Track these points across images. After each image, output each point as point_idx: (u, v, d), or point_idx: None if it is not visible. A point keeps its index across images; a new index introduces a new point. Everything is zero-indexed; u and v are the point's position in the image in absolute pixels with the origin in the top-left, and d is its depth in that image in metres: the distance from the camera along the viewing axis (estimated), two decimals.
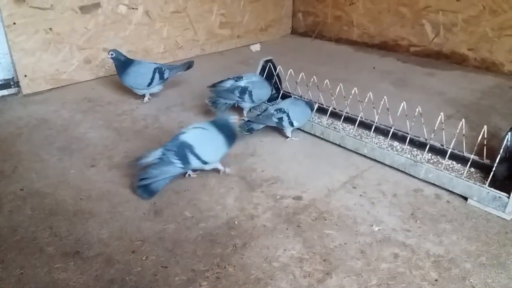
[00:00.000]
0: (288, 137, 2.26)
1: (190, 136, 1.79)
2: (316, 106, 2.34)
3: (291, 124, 2.18)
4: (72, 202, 1.73)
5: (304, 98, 2.36)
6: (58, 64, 2.95)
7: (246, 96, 2.34)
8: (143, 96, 2.75)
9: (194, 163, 1.77)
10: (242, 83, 2.37)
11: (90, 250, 1.48)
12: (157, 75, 2.64)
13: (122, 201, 1.74)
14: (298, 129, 2.32)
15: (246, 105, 2.42)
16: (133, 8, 3.22)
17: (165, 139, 2.26)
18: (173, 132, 2.32)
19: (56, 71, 2.95)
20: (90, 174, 1.94)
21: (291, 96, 2.45)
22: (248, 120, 2.19)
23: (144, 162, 1.72)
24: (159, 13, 3.39)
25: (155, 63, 2.76)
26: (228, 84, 2.40)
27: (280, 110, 2.18)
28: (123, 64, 2.64)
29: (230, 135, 1.87)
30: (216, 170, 1.91)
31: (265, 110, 2.26)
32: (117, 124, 2.44)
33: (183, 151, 1.74)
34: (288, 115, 2.16)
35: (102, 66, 3.18)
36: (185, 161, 1.74)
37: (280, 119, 2.16)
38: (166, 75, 2.69)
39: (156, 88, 2.71)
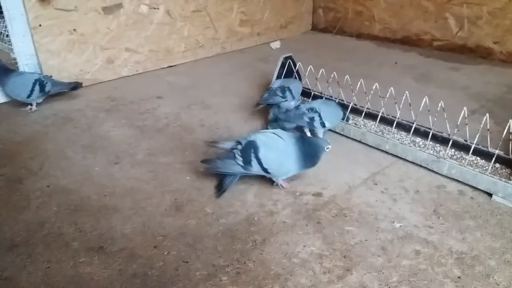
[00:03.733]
0: None
1: (261, 138, 1.71)
2: (349, 109, 2.22)
3: (323, 125, 2.09)
4: (96, 199, 1.77)
5: (336, 99, 2.32)
6: (82, 64, 3.01)
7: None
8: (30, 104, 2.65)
9: (255, 166, 1.69)
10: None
11: (114, 245, 1.51)
12: (37, 87, 2.55)
13: (145, 197, 1.77)
14: None
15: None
16: (154, 8, 3.26)
17: (186, 136, 2.29)
18: (193, 130, 2.36)
19: (81, 71, 3.02)
20: (114, 171, 1.98)
21: (322, 97, 2.41)
22: (278, 120, 2.07)
23: (218, 145, 1.80)
24: (180, 13, 3.43)
25: (38, 73, 2.67)
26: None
27: (312, 109, 2.08)
28: (1, 73, 2.58)
29: (310, 158, 1.74)
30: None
31: (296, 108, 2.15)
32: (139, 122, 2.48)
33: (248, 150, 1.68)
34: (320, 115, 2.07)
35: (125, 65, 3.24)
36: (246, 161, 1.68)
37: (312, 119, 2.07)
38: (47, 88, 2.60)
39: (37, 100, 2.64)
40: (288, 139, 1.74)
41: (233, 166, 1.70)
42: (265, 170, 1.71)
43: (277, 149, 1.72)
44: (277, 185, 1.80)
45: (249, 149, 1.69)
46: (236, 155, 1.69)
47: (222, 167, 1.72)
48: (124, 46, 3.19)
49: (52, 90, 2.66)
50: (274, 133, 1.76)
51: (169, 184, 1.86)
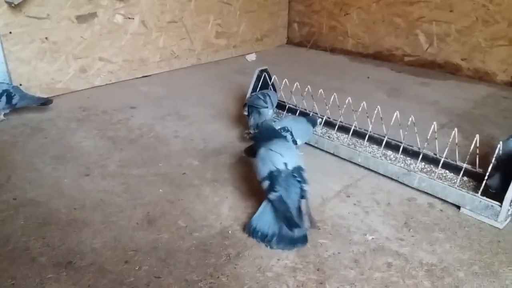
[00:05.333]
0: None
1: (290, 159, 1.60)
2: (319, 121, 2.26)
3: (295, 142, 2.10)
4: (65, 212, 1.73)
5: (301, 108, 2.35)
6: (54, 73, 2.95)
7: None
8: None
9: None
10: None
11: (83, 260, 1.47)
12: (3, 99, 2.46)
13: (116, 211, 1.73)
14: None
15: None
16: (129, 18, 3.24)
17: (159, 147, 2.27)
18: (168, 141, 2.34)
19: (52, 80, 2.95)
20: (84, 183, 1.93)
21: (296, 111, 2.43)
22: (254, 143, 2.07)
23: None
24: (155, 23, 3.41)
25: (7, 83, 2.59)
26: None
27: (283, 128, 2.09)
28: None
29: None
30: (214, 181, 1.92)
31: None
32: (112, 133, 2.44)
33: (300, 173, 1.58)
34: (291, 133, 2.08)
35: (98, 75, 3.19)
36: (306, 181, 1.58)
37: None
38: (15, 101, 2.51)
39: (3, 111, 2.54)
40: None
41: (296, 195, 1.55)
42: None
43: (293, 150, 1.73)
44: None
45: (300, 173, 1.58)
46: (305, 188, 1.56)
47: (309, 210, 1.56)
48: (97, 56, 3.15)
49: (19, 104, 2.56)
50: (281, 147, 1.67)
51: (141, 197, 1.83)
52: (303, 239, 1.52)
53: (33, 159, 2.13)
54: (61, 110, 2.75)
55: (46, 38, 2.84)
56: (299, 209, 1.53)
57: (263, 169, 1.60)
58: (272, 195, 1.53)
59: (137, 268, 1.43)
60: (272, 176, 1.56)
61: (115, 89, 3.20)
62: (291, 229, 1.49)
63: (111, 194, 1.85)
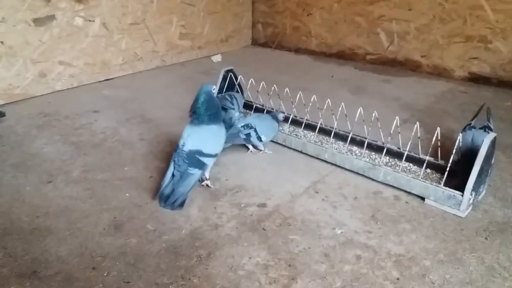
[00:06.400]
0: (261, 150, 2.22)
1: (192, 141, 1.77)
2: (282, 115, 2.29)
3: (259, 139, 2.14)
4: (28, 220, 1.66)
5: (268, 107, 2.38)
6: (11, 78, 2.84)
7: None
8: None
9: (208, 161, 1.79)
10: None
11: (48, 269, 1.42)
12: None
13: (81, 217, 1.68)
14: None
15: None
16: (89, 20, 3.16)
17: (125, 151, 2.22)
18: (133, 145, 2.30)
19: (9, 86, 2.84)
20: (47, 190, 1.87)
21: (263, 110, 2.46)
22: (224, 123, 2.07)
23: (164, 188, 1.72)
24: (116, 25, 3.35)
25: None
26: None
27: (247, 125, 2.13)
28: None
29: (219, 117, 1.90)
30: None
31: (231, 126, 2.18)
32: (74, 138, 2.37)
33: (194, 158, 1.74)
34: (255, 130, 2.12)
35: (59, 79, 3.10)
36: (200, 166, 1.75)
37: (248, 135, 2.12)
38: None
39: None
40: (204, 127, 1.83)
41: (194, 179, 1.74)
42: (215, 155, 1.83)
43: (209, 136, 1.83)
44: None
45: (193, 158, 1.74)
46: (191, 171, 1.72)
47: (186, 189, 1.71)
48: (57, 59, 3.05)
49: None
50: (192, 134, 1.81)
51: (107, 202, 1.78)
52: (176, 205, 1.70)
53: None
54: (20, 116, 2.65)
55: (2, 42, 2.74)
56: (169, 184, 1.72)
57: None
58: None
59: (105, 274, 1.39)
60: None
61: (77, 93, 3.12)
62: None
63: (76, 200, 1.79)
